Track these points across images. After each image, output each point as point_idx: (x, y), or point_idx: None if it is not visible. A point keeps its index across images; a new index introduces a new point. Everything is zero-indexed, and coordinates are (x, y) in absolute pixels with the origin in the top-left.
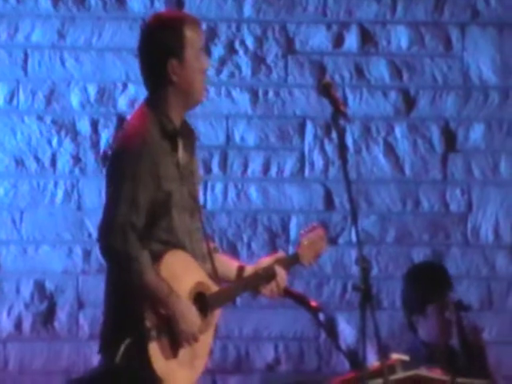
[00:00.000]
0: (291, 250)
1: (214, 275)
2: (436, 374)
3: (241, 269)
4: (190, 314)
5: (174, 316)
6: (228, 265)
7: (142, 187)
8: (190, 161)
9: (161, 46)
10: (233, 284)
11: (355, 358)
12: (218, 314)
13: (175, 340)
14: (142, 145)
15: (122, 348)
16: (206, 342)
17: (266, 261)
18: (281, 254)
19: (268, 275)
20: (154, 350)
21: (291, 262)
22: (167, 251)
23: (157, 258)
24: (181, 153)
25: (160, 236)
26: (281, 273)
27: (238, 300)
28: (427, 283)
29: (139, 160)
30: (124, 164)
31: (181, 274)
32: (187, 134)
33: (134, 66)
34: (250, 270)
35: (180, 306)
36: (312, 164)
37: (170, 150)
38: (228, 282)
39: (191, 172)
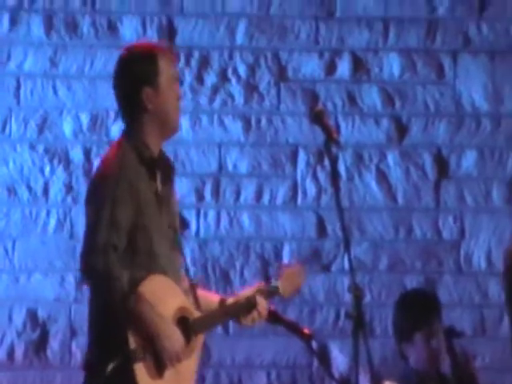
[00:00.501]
0: None
1: (198, 308)
2: None
3: (222, 301)
4: (173, 334)
5: (158, 335)
6: (209, 298)
7: (121, 209)
8: (167, 192)
9: (135, 75)
10: (215, 311)
11: None
12: (201, 340)
13: (160, 361)
14: (120, 169)
15: (108, 371)
16: (190, 367)
17: (247, 291)
18: (261, 284)
19: (249, 304)
20: (140, 370)
21: (271, 293)
22: (150, 275)
23: (140, 283)
24: (159, 182)
25: (142, 262)
26: (261, 302)
27: (230, 328)
28: (414, 311)
29: (117, 183)
30: (102, 188)
31: (163, 297)
32: (165, 165)
33: None
34: (231, 301)
35: (163, 326)
36: (304, 192)
37: (147, 177)
38: None
39: (169, 203)
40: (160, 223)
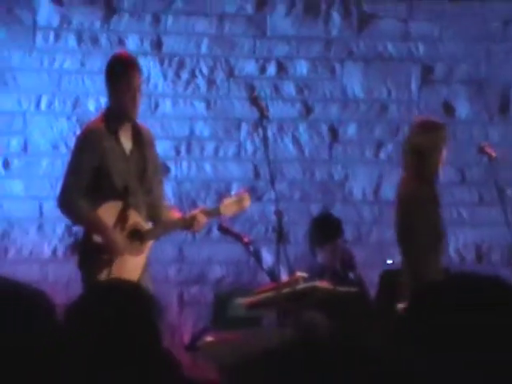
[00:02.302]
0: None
1: (157, 224)
2: (325, 285)
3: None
4: (117, 237)
5: (109, 238)
6: (173, 216)
7: (85, 157)
8: (139, 151)
9: (109, 74)
10: (166, 224)
11: (273, 275)
12: (149, 245)
13: (110, 257)
14: (89, 133)
15: (77, 257)
16: (137, 263)
17: (193, 211)
18: (204, 207)
19: (192, 219)
20: (95, 262)
21: (212, 213)
22: (108, 203)
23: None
24: (127, 146)
25: (105, 195)
26: (201, 218)
27: (197, 237)
28: (327, 228)
29: (86, 139)
30: (75, 145)
31: (117, 216)
32: (137, 134)
33: None
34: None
35: (112, 234)
36: (246, 150)
37: (114, 141)
38: None
39: (141, 158)
40: (126, 169)
